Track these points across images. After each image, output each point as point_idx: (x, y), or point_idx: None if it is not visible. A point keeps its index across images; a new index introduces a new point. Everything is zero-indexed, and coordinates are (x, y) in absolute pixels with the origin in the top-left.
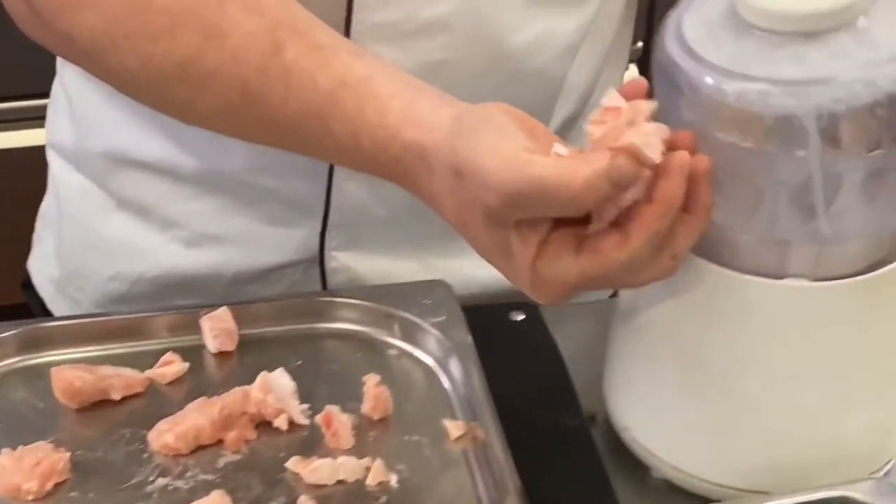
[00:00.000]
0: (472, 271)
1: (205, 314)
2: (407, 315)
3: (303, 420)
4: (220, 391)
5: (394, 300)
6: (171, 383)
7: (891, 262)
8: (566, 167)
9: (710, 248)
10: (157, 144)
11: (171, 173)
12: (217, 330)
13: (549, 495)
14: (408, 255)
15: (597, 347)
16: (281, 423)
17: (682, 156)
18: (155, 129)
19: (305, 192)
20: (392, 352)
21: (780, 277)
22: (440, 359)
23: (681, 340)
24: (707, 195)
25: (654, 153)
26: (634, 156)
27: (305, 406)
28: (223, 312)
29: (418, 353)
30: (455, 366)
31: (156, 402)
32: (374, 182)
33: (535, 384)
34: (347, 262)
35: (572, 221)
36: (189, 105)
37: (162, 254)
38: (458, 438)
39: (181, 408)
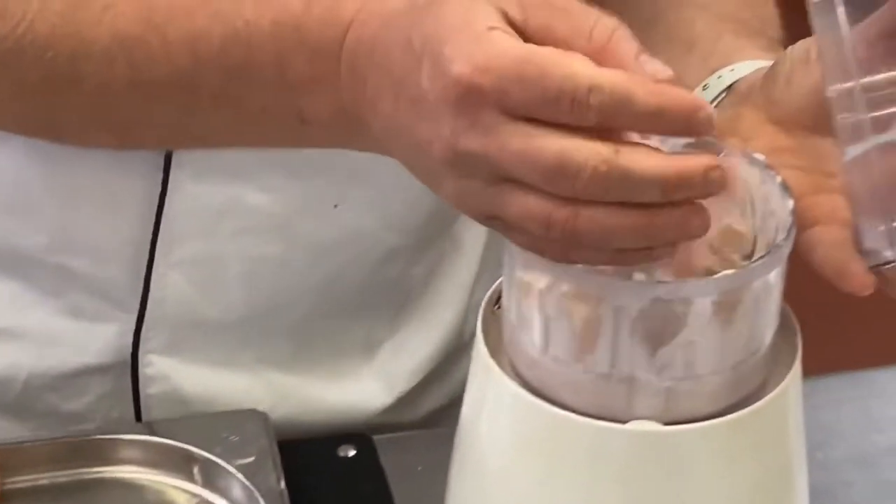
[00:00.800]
0: (321, 392)
1: None
2: (209, 455)
3: None
4: None
5: (194, 437)
6: None
7: (753, 402)
8: None
9: (547, 388)
10: None
11: None
12: None
13: None
14: (243, 367)
15: (438, 489)
16: None
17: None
18: None
19: (119, 280)
20: (189, 501)
21: (626, 420)
22: None
23: (519, 490)
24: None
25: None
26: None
27: None
28: None
29: (220, 501)
30: None
31: None
32: (204, 274)
33: None
34: (166, 369)
35: None
36: (75, 79)
37: None
38: None
39: None
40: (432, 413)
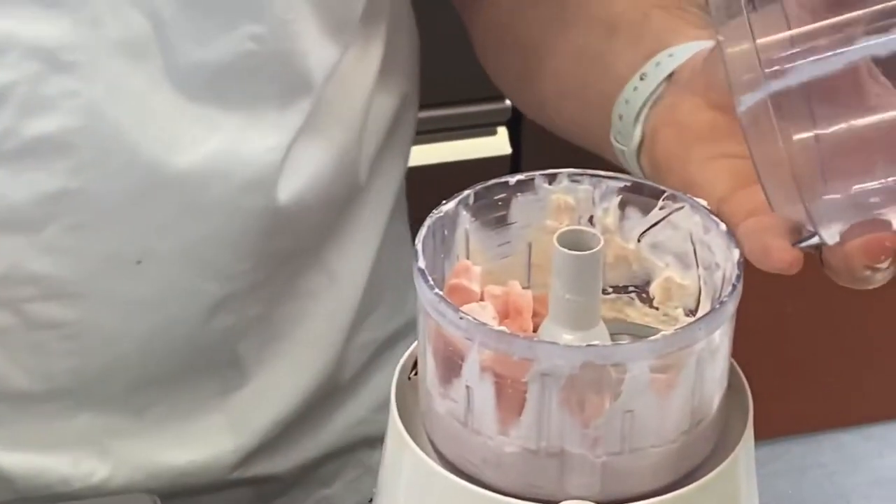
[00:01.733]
0: (166, 454)
1: None
2: None
3: None
4: None
5: None
6: None
7: (701, 476)
8: None
9: (468, 464)
10: None
11: None
12: None
13: None
14: (70, 439)
15: None
16: None
17: None
18: None
19: None
20: None
21: (557, 501)
22: None
23: None
24: None
25: None
26: None
27: None
28: None
29: None
30: None
31: None
32: (6, 339)
33: None
34: None
35: None
36: None
37: None
38: None
39: None
40: (301, 467)
